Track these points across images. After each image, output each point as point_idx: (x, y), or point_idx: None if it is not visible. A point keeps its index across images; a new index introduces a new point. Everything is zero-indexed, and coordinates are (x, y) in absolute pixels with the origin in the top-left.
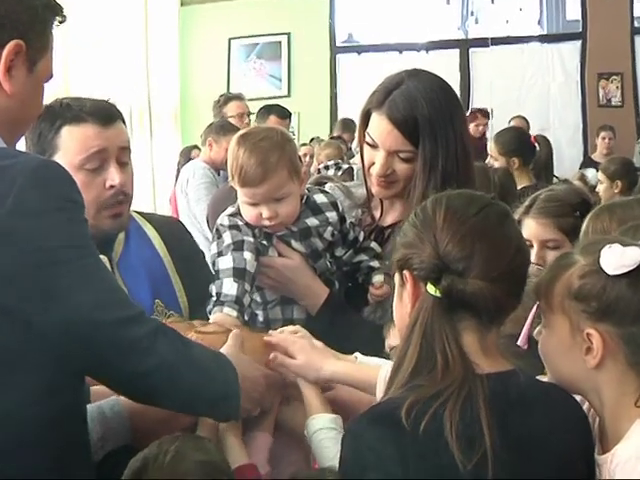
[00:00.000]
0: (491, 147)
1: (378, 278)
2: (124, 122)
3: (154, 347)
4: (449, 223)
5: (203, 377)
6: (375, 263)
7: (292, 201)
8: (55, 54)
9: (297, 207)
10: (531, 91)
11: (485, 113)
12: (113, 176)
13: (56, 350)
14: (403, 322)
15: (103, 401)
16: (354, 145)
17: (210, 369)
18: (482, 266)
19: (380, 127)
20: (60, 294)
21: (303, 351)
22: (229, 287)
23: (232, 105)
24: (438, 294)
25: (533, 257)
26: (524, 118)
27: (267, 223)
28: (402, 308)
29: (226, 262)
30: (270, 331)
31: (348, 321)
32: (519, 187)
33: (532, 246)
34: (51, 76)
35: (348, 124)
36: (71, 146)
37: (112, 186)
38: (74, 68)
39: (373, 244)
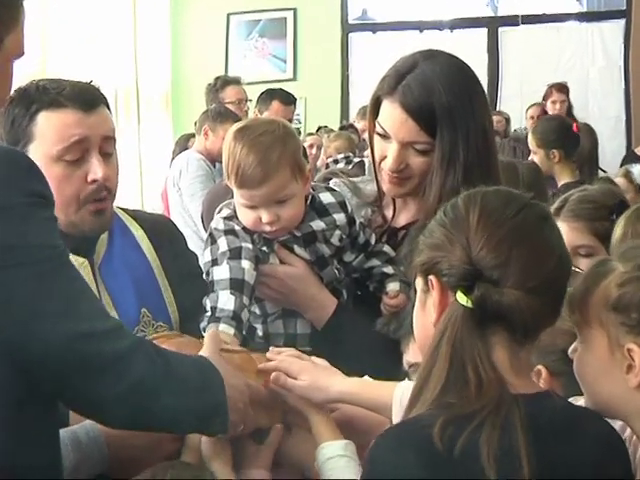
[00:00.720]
0: (529, 139)
1: (393, 286)
2: (108, 107)
3: (130, 366)
4: (484, 224)
5: (187, 393)
6: (389, 269)
7: (295, 203)
8: (30, 30)
9: (301, 210)
10: (568, 76)
11: (562, 88)
12: (95, 169)
13: (13, 367)
14: (426, 334)
15: (78, 425)
16: (366, 136)
17: (194, 382)
18: (519, 275)
19: (392, 116)
20: (17, 302)
21: (306, 370)
22: (225, 301)
23: (230, 90)
24: (470, 304)
25: None
26: (542, 105)
27: (267, 228)
28: (425, 318)
29: (222, 272)
30: (269, 352)
31: (359, 336)
32: (560, 183)
33: None
34: (22, 53)
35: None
36: (48, 135)
37: (94, 180)
38: (52, 46)
39: (386, 247)
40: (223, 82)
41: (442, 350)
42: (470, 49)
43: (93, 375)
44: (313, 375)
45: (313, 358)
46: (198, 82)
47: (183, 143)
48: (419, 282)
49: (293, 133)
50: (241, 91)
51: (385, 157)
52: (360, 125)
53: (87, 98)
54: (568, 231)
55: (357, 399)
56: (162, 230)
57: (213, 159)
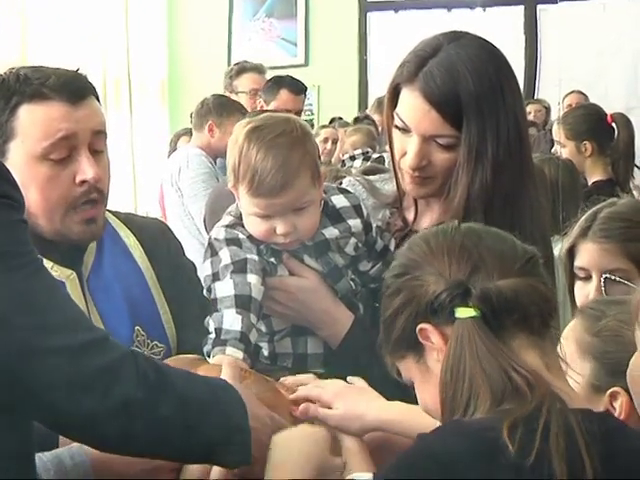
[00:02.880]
0: (554, 130)
1: None
2: (97, 98)
3: (117, 382)
4: (437, 251)
5: (193, 413)
6: None
7: (313, 211)
8: (7, 11)
9: (318, 218)
10: (614, 59)
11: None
12: (84, 168)
13: None
14: (434, 400)
15: (63, 448)
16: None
17: (203, 402)
18: (498, 266)
19: (413, 106)
20: None
21: (340, 396)
22: (231, 321)
23: (246, 77)
24: (474, 312)
25: (592, 291)
26: (582, 93)
27: (282, 240)
28: (432, 384)
29: (226, 289)
30: (282, 379)
31: (379, 355)
32: (591, 182)
33: (589, 277)
34: None
35: (383, 103)
36: (31, 130)
37: (83, 181)
38: (32, 28)
39: None
40: (239, 68)
41: (467, 368)
42: (505, 30)
43: (74, 392)
44: (348, 401)
45: (350, 378)
46: (198, 69)
47: (177, 138)
48: (407, 361)
49: (310, 132)
50: (258, 80)
51: (405, 153)
52: (376, 119)
53: (74, 89)
54: (599, 253)
55: (399, 427)
56: (156, 237)
57: (216, 155)
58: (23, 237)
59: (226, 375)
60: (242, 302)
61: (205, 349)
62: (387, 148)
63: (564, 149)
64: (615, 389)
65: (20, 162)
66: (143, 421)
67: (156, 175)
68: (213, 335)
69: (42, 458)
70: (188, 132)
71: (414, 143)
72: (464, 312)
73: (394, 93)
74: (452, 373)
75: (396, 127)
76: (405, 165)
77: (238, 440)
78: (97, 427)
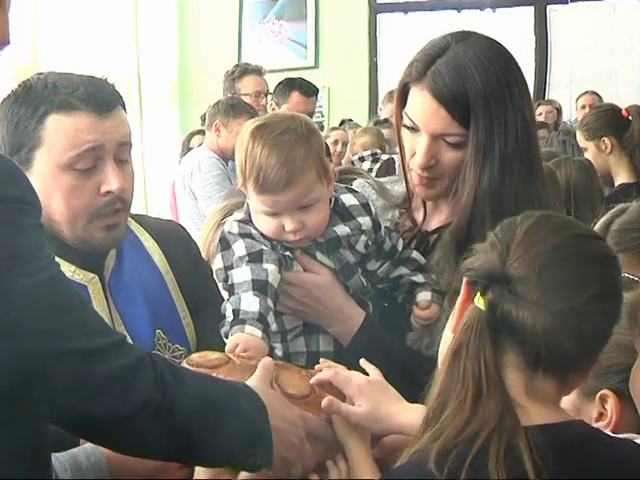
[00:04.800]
0: (577, 135)
1: (424, 296)
2: (124, 107)
3: (134, 384)
4: (530, 237)
5: (208, 417)
6: (419, 277)
7: (321, 208)
8: (18, 15)
9: (327, 215)
10: (625, 60)
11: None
12: (110, 179)
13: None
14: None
15: (79, 448)
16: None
17: (220, 406)
18: (547, 293)
19: (422, 105)
20: (1, 318)
21: (365, 394)
22: (249, 303)
23: (248, 80)
24: (482, 307)
25: None
26: (596, 94)
27: (291, 237)
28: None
29: (243, 274)
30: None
31: (390, 352)
32: (617, 183)
33: None
34: (7, 42)
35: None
36: (58, 140)
37: (108, 192)
38: (44, 30)
39: (415, 254)
40: (242, 70)
41: (461, 360)
42: (515, 31)
43: (91, 395)
44: (372, 401)
45: (363, 363)
46: (208, 71)
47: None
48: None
49: (316, 130)
50: (261, 82)
51: (415, 153)
52: (386, 111)
53: (102, 99)
54: None
55: None
56: (174, 239)
57: (226, 157)
58: (39, 241)
59: (258, 376)
60: (259, 286)
61: (222, 331)
62: (397, 150)
63: (586, 152)
64: (603, 392)
65: (45, 171)
66: (160, 424)
67: (167, 177)
68: (231, 317)
69: (59, 458)
70: (202, 132)
71: (423, 142)
72: (479, 300)
73: (403, 93)
74: (449, 360)
75: (405, 127)
76: (414, 165)
77: (258, 444)
78: (114, 430)
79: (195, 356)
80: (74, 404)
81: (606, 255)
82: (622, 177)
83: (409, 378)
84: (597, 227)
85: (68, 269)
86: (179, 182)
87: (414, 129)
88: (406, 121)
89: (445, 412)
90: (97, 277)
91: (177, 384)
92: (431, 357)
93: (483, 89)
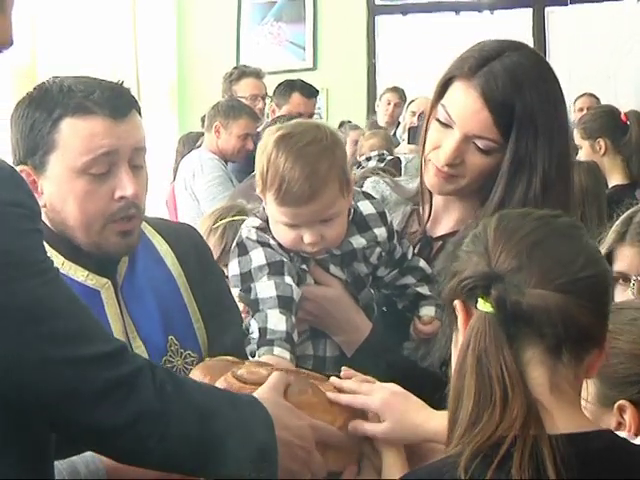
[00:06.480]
0: (574, 133)
1: (427, 311)
2: (139, 112)
3: (133, 394)
4: (502, 232)
5: (211, 430)
6: (424, 289)
7: (341, 221)
8: (20, 15)
9: (345, 228)
10: (624, 61)
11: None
12: (124, 185)
13: None
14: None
15: (78, 456)
16: (399, 132)
17: (222, 417)
18: (543, 273)
19: (465, 101)
20: None
21: (388, 407)
22: (276, 321)
23: (245, 83)
24: (490, 308)
25: (632, 296)
26: (593, 96)
27: (309, 249)
28: (456, 351)
29: (267, 289)
30: (333, 378)
31: (394, 367)
32: (611, 185)
33: (628, 280)
34: (11, 43)
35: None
36: (73, 145)
37: (122, 197)
38: (43, 31)
39: (422, 263)
40: (239, 73)
41: (468, 368)
42: (513, 33)
43: (89, 404)
44: (397, 412)
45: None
46: (207, 72)
47: (191, 141)
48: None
49: (340, 141)
50: (258, 86)
51: (438, 147)
52: (386, 97)
53: (118, 104)
54: (638, 257)
55: None
56: (187, 242)
57: (226, 158)
58: (37, 246)
59: (269, 385)
60: (285, 303)
61: (249, 349)
62: (399, 149)
63: (581, 150)
64: (621, 402)
65: (59, 175)
66: (159, 434)
67: (165, 178)
68: (256, 335)
69: (57, 466)
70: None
71: (454, 139)
72: (483, 305)
73: (445, 85)
74: (459, 364)
75: (437, 120)
76: (436, 158)
77: (262, 456)
78: (112, 439)
79: (244, 372)
80: (72, 412)
81: (576, 226)
82: (615, 179)
83: (410, 391)
84: (619, 221)
85: (81, 274)
86: (180, 183)
87: (447, 125)
88: (440, 114)
89: (479, 423)
90: (110, 282)
91: (177, 394)
92: (432, 372)
93: (532, 104)
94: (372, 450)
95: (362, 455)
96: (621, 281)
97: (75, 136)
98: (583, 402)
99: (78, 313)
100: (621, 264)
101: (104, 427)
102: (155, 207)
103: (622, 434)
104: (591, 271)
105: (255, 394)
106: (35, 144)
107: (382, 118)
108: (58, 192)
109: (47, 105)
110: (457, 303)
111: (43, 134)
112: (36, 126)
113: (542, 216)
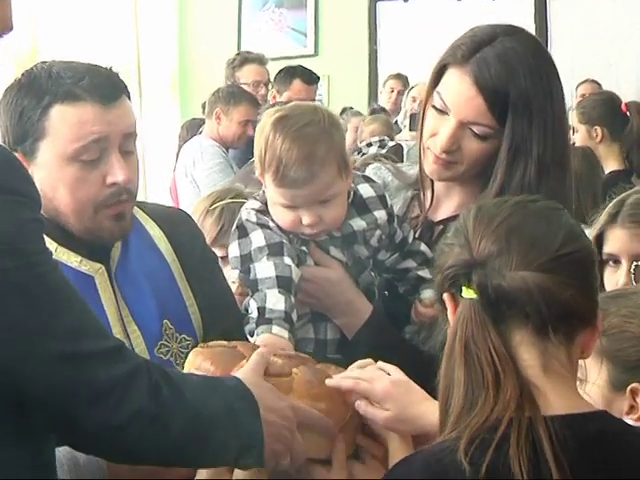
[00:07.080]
0: (571, 115)
1: (428, 294)
2: (129, 96)
3: (128, 393)
4: (480, 220)
5: (205, 423)
6: (425, 273)
7: (339, 203)
8: (20, 3)
9: (344, 209)
10: (625, 48)
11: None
12: (115, 171)
13: None
14: None
15: None
16: (400, 118)
17: (216, 415)
18: (523, 255)
19: (459, 88)
20: None
21: (390, 396)
22: (275, 301)
23: (248, 69)
24: (473, 294)
25: (621, 277)
26: (595, 82)
27: (308, 231)
28: None
29: (266, 270)
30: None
31: (394, 349)
32: (607, 171)
33: (618, 262)
34: (11, 28)
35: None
36: (63, 131)
37: (114, 183)
38: (43, 19)
39: (423, 247)
40: (242, 59)
41: (457, 353)
42: (515, 19)
43: (85, 403)
44: (399, 403)
45: (381, 365)
46: (208, 59)
47: (193, 127)
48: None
49: (339, 123)
50: (261, 72)
51: (435, 134)
52: (389, 84)
53: (107, 90)
54: (629, 239)
55: None
56: (180, 226)
57: (226, 145)
58: (35, 236)
59: (250, 366)
60: (284, 283)
61: (247, 328)
62: (400, 136)
63: (577, 134)
64: (634, 385)
65: (50, 162)
66: (154, 434)
67: (167, 165)
68: (255, 314)
69: (56, 454)
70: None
71: (449, 126)
72: (467, 292)
73: (439, 72)
74: (447, 353)
75: (433, 107)
76: (434, 145)
77: (251, 446)
78: (107, 439)
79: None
80: (67, 411)
81: (554, 207)
82: (611, 165)
83: (411, 374)
84: (612, 204)
85: (75, 260)
86: (180, 170)
87: (442, 111)
88: (436, 101)
89: (474, 408)
90: (104, 267)
91: (173, 394)
92: (433, 355)
93: (526, 89)
94: (368, 441)
95: (359, 447)
96: (611, 263)
97: (65, 123)
98: (594, 386)
99: (75, 307)
100: (612, 246)
101: (99, 427)
102: (158, 194)
103: (632, 418)
104: (570, 248)
105: (238, 374)
106: (25, 131)
107: (385, 105)
108: (49, 179)
109: (36, 92)
110: (445, 296)
111: (33, 121)
112: (25, 113)
113: (519, 201)
